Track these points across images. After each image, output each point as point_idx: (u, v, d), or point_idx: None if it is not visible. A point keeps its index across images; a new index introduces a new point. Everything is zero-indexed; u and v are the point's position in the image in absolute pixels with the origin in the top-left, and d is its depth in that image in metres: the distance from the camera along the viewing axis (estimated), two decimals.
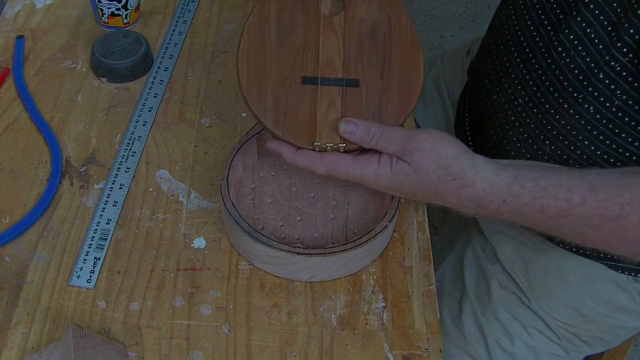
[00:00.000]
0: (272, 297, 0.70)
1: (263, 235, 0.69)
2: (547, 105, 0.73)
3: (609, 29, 0.66)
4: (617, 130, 0.69)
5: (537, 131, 0.75)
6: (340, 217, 0.75)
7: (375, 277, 0.72)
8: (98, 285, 0.70)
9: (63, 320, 0.67)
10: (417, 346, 0.67)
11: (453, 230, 1.62)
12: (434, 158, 0.62)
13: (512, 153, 0.80)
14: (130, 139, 0.82)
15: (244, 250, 0.72)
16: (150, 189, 0.78)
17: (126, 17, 0.94)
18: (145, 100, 0.87)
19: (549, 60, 0.72)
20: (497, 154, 0.83)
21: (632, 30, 0.63)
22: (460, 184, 0.62)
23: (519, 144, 0.78)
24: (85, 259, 0.71)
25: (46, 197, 0.76)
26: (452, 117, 1.00)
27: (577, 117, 0.71)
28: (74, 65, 0.91)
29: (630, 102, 0.67)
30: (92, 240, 0.73)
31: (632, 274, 0.79)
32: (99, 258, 0.72)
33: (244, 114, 0.86)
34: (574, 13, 0.68)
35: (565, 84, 0.71)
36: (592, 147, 0.71)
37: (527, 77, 0.75)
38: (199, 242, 0.74)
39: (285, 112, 0.67)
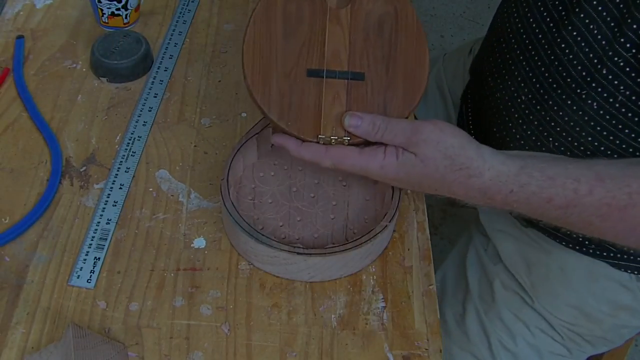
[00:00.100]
0: (272, 297, 0.70)
1: (263, 235, 0.69)
2: (551, 102, 0.73)
3: (612, 24, 0.66)
4: (620, 126, 0.69)
5: (540, 128, 0.76)
6: (340, 217, 0.75)
7: (375, 277, 0.72)
8: (98, 285, 0.70)
9: (63, 320, 0.67)
10: (417, 346, 0.67)
11: (453, 230, 1.62)
12: (441, 148, 0.62)
13: (516, 150, 0.80)
14: (130, 139, 0.82)
15: (244, 250, 0.72)
16: (150, 189, 0.78)
17: (126, 17, 0.94)
18: (145, 100, 0.87)
19: (552, 57, 0.72)
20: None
21: (635, 26, 0.63)
22: (467, 174, 0.62)
23: (522, 142, 0.78)
24: (85, 259, 0.71)
25: (46, 197, 0.76)
26: (454, 116, 1.00)
27: (580, 113, 0.71)
28: (74, 65, 0.91)
29: (634, 98, 0.67)
30: (92, 240, 0.73)
31: (635, 273, 0.79)
32: (99, 258, 0.72)
33: (244, 114, 0.86)
34: (577, 9, 0.68)
35: (569, 80, 0.71)
36: (596, 143, 0.71)
37: (530, 75, 0.75)
38: (199, 242, 0.74)
39: (290, 105, 0.67)
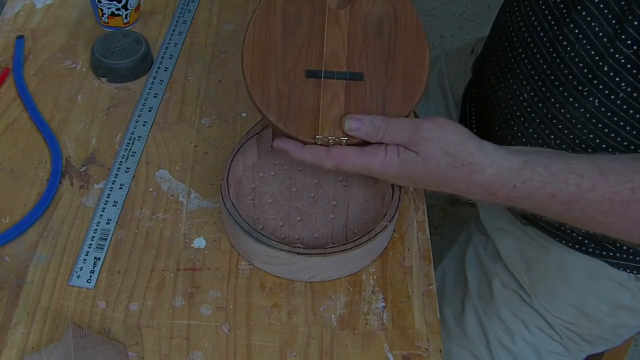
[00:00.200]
0: (272, 297, 0.70)
1: (263, 235, 0.69)
2: (552, 100, 0.73)
3: (613, 22, 0.66)
4: (621, 123, 0.69)
5: (542, 126, 0.76)
6: (340, 217, 0.75)
7: (375, 277, 0.72)
8: (98, 285, 0.70)
9: (63, 320, 0.67)
10: (417, 346, 0.67)
11: (453, 230, 1.62)
12: (442, 146, 0.62)
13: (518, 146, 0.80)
14: (130, 139, 0.82)
15: (244, 250, 0.72)
16: (150, 189, 0.78)
17: (126, 17, 0.94)
18: (145, 100, 0.87)
19: (554, 55, 0.72)
20: None
21: (636, 22, 0.64)
22: (469, 170, 0.62)
23: (523, 139, 0.79)
24: (85, 259, 0.71)
25: (46, 197, 0.76)
26: (455, 115, 1.01)
27: (582, 110, 0.71)
28: (74, 65, 0.91)
29: (635, 95, 0.67)
30: (92, 240, 0.73)
31: (635, 272, 0.79)
32: (99, 258, 0.72)
33: (244, 114, 0.86)
34: (578, 7, 0.68)
35: (570, 77, 0.71)
36: (597, 140, 0.71)
37: (532, 72, 0.76)
38: (199, 242, 0.74)
39: (289, 106, 0.67)
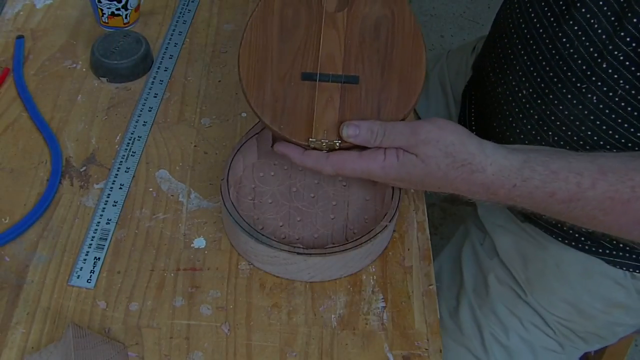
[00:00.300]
0: (272, 297, 0.70)
1: (263, 235, 0.69)
2: (551, 96, 0.74)
3: (612, 19, 0.66)
4: (620, 120, 0.69)
5: (540, 122, 0.76)
6: (340, 217, 0.75)
7: (375, 277, 0.72)
8: (98, 285, 0.70)
9: (63, 320, 0.67)
10: (417, 346, 0.67)
11: (453, 230, 1.61)
12: (441, 147, 0.62)
13: (516, 145, 0.80)
14: (130, 139, 0.82)
15: (244, 250, 0.72)
16: (150, 189, 0.78)
17: (126, 17, 0.94)
18: (145, 100, 0.87)
19: (553, 52, 0.72)
20: None
21: (635, 20, 0.64)
22: (469, 170, 0.62)
23: (522, 136, 0.79)
24: (85, 259, 0.71)
25: (46, 197, 0.76)
26: (454, 113, 1.01)
27: (580, 107, 0.71)
28: (74, 65, 0.91)
29: (633, 92, 0.67)
30: (92, 240, 0.73)
31: (630, 270, 0.79)
32: (99, 258, 0.72)
33: (244, 114, 0.86)
34: (578, 4, 0.69)
35: (569, 74, 0.71)
36: (595, 138, 0.71)
37: (532, 69, 0.76)
38: (199, 242, 0.74)
39: (284, 108, 0.68)
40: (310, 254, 0.68)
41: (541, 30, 0.74)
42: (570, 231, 0.79)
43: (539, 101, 0.75)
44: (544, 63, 0.74)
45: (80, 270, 0.71)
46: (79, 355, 0.61)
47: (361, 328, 0.68)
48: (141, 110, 0.86)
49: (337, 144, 0.66)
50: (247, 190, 0.77)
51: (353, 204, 0.76)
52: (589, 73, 0.69)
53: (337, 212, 0.75)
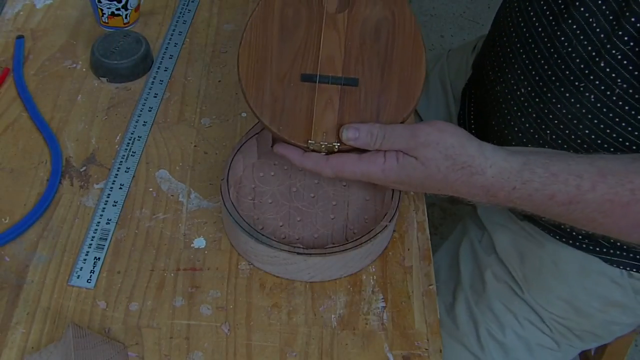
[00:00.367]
0: (272, 297, 0.70)
1: (263, 235, 0.69)
2: (549, 95, 0.74)
3: (611, 17, 0.66)
4: (617, 119, 0.69)
5: (538, 120, 0.76)
6: (340, 217, 0.75)
7: (375, 277, 0.72)
8: (98, 285, 0.70)
9: (63, 320, 0.67)
10: (417, 346, 0.67)
11: (453, 230, 1.62)
12: (441, 149, 0.62)
13: (514, 143, 0.80)
14: (130, 139, 0.82)
15: (244, 250, 0.72)
16: (150, 189, 0.78)
17: (126, 17, 0.94)
18: (145, 100, 0.87)
19: (552, 50, 0.73)
20: (499, 145, 0.83)
21: (633, 19, 0.64)
22: (469, 172, 0.62)
23: (520, 134, 0.79)
24: (85, 259, 0.71)
25: (46, 197, 0.76)
26: (454, 111, 1.01)
27: (578, 105, 0.71)
28: (74, 65, 0.91)
29: (631, 91, 0.67)
30: (92, 240, 0.73)
31: (627, 269, 0.79)
32: (99, 258, 0.72)
33: (244, 114, 0.86)
34: (577, 3, 0.69)
35: (567, 72, 0.71)
36: (593, 136, 0.72)
37: (530, 67, 0.76)
38: (199, 242, 0.74)
39: (283, 109, 0.67)
40: (310, 254, 0.68)
41: (540, 29, 0.74)
42: (568, 230, 0.79)
43: (537, 99, 0.76)
44: (542, 62, 0.74)
45: (80, 270, 0.71)
46: (79, 355, 0.61)
47: (361, 328, 0.68)
48: (141, 110, 0.86)
49: (336, 147, 0.66)
50: (247, 190, 0.77)
51: (353, 204, 0.76)
52: (587, 72, 0.69)
53: (337, 212, 0.75)
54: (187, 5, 1.00)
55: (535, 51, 0.75)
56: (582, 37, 0.69)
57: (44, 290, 0.69)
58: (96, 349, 0.63)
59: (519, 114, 0.78)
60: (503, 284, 0.85)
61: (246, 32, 0.70)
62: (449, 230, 1.62)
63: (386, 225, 0.70)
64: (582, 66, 0.70)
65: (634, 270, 0.79)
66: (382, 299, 0.70)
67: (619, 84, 0.67)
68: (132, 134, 0.83)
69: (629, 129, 0.69)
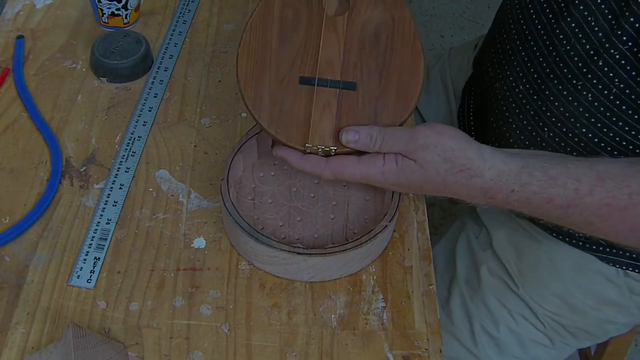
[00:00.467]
0: (272, 297, 0.70)
1: (263, 235, 0.69)
2: (547, 92, 0.74)
3: (610, 17, 0.66)
4: (614, 118, 0.69)
5: (536, 118, 0.76)
6: (340, 217, 0.75)
7: (375, 277, 0.72)
8: (98, 285, 0.70)
9: (63, 320, 0.67)
10: (417, 346, 0.67)
11: None
12: (439, 152, 0.63)
13: (512, 140, 0.81)
14: (130, 139, 0.82)
15: (244, 250, 0.72)
16: (150, 189, 0.78)
17: (126, 17, 0.94)
18: (145, 100, 0.87)
19: (550, 48, 0.73)
20: (498, 143, 0.84)
21: (632, 19, 0.64)
22: (468, 175, 0.63)
23: (518, 131, 0.79)
24: (85, 259, 0.71)
25: (46, 197, 0.76)
26: (455, 108, 1.01)
27: (575, 104, 0.71)
28: (74, 65, 0.91)
29: (628, 91, 0.67)
30: (92, 240, 0.73)
31: (623, 268, 0.79)
32: (99, 258, 0.72)
33: (244, 114, 0.86)
34: (577, 2, 0.69)
35: (565, 71, 0.71)
36: (590, 135, 0.72)
37: (529, 64, 0.76)
38: (199, 242, 0.74)
39: (280, 111, 0.67)
40: (310, 254, 0.68)
41: (539, 27, 0.75)
42: (565, 228, 0.79)
43: (535, 97, 0.76)
44: (541, 59, 0.74)
45: (80, 270, 0.71)
46: (79, 355, 0.61)
47: (361, 328, 0.68)
48: (141, 110, 0.86)
49: (333, 151, 0.66)
50: (247, 190, 0.77)
51: (353, 204, 0.76)
52: (584, 70, 0.70)
53: (337, 212, 0.75)
54: (187, 5, 1.00)
55: (534, 49, 0.75)
56: (580, 36, 0.69)
57: (44, 290, 0.69)
58: (96, 349, 0.63)
59: (517, 111, 0.79)
60: (498, 280, 0.86)
61: (245, 33, 0.70)
62: (449, 230, 1.62)
63: (386, 225, 0.70)
64: (580, 65, 0.70)
65: (630, 269, 0.79)
66: (382, 299, 0.70)
67: (617, 83, 0.67)
68: (132, 134, 0.83)
69: (626, 128, 0.70)
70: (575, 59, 0.70)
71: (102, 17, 0.94)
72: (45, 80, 0.89)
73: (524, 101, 0.77)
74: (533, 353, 0.87)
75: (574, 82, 0.71)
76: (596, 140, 0.72)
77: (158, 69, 0.91)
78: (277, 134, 0.67)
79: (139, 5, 0.95)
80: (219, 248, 0.73)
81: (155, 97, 0.87)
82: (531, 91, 0.76)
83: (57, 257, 0.72)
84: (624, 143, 0.70)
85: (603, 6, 0.67)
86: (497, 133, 0.83)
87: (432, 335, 0.68)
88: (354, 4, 0.70)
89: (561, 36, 0.71)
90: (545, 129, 0.75)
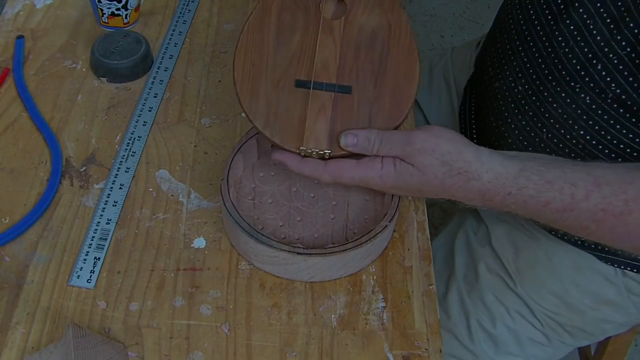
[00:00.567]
0: (272, 297, 0.70)
1: (263, 235, 0.69)
2: (546, 94, 0.74)
3: (609, 21, 0.66)
4: (612, 122, 0.70)
5: (535, 119, 0.76)
6: (340, 217, 0.75)
7: (375, 277, 0.72)
8: (98, 285, 0.70)
9: (63, 320, 0.67)
10: (417, 346, 0.67)
11: None
12: (437, 155, 0.63)
13: (510, 140, 0.81)
14: (130, 139, 0.82)
15: (244, 250, 0.72)
16: (150, 189, 0.78)
17: (126, 17, 0.94)
18: (145, 100, 0.87)
19: (549, 50, 0.73)
20: (497, 142, 0.84)
21: (632, 25, 0.64)
22: (466, 177, 0.63)
23: (517, 132, 0.79)
24: (85, 259, 0.71)
25: (46, 197, 0.76)
26: (457, 106, 1.02)
27: (573, 106, 0.72)
28: (74, 65, 0.91)
29: (624, 97, 0.68)
30: (92, 240, 0.73)
31: (622, 267, 0.79)
32: (99, 258, 0.72)
33: (243, 114, 0.86)
34: (577, 4, 0.69)
35: (564, 73, 0.72)
36: (588, 137, 0.72)
37: (528, 66, 0.76)
38: (199, 242, 0.74)
39: (276, 114, 0.68)
40: (310, 254, 0.68)
41: (539, 28, 0.75)
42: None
43: (533, 98, 0.76)
44: (540, 60, 0.75)
45: (80, 270, 0.71)
46: (79, 355, 0.61)
47: (361, 328, 0.68)
48: (141, 110, 0.86)
49: (327, 154, 0.67)
50: (247, 190, 0.77)
51: (353, 204, 0.76)
52: (582, 73, 0.70)
53: (337, 212, 0.75)
54: (187, 5, 1.00)
55: (534, 50, 0.75)
56: (579, 39, 0.69)
57: (44, 290, 0.69)
58: (96, 349, 0.63)
59: (516, 111, 0.79)
60: (496, 276, 0.86)
61: (242, 35, 0.70)
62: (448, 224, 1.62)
63: (386, 225, 0.70)
64: (578, 68, 0.70)
65: (628, 269, 0.79)
66: (382, 299, 0.70)
67: (613, 88, 0.68)
68: (132, 134, 0.83)
69: (624, 131, 0.70)
70: (574, 61, 0.70)
71: (102, 17, 0.94)
72: (45, 80, 0.89)
73: (523, 101, 0.78)
74: (530, 351, 0.88)
75: (572, 84, 0.71)
76: (594, 142, 0.72)
77: (158, 69, 0.91)
78: (272, 136, 0.67)
79: (139, 5, 0.95)
80: (219, 248, 0.73)
81: (155, 97, 0.87)
82: (530, 92, 0.76)
83: (57, 257, 0.72)
84: (622, 146, 0.71)
85: (602, 10, 0.67)
86: (496, 132, 0.84)
87: (432, 335, 0.68)
88: (351, 8, 0.70)
89: (560, 38, 0.72)
90: (544, 130, 0.76)
